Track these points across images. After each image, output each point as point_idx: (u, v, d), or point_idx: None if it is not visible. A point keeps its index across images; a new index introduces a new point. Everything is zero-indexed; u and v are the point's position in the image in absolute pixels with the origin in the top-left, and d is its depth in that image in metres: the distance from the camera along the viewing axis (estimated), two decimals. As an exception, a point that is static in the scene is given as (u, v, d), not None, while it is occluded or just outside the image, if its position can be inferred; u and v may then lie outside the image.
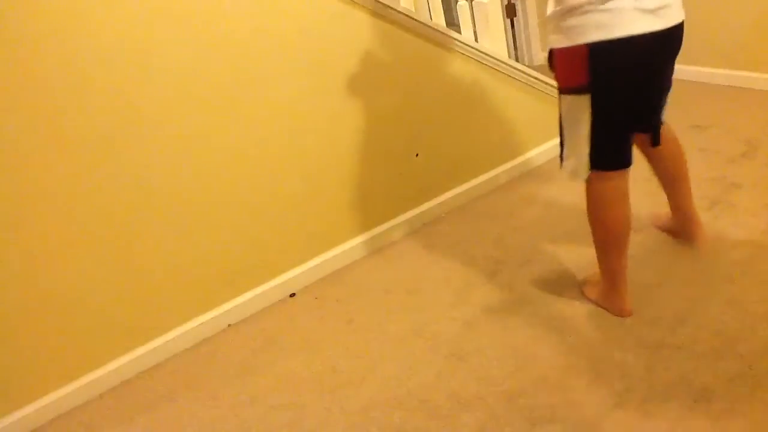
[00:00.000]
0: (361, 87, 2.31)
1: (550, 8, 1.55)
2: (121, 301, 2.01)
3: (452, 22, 2.94)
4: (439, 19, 2.61)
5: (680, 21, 1.55)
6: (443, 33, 2.44)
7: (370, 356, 1.93)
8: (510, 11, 4.28)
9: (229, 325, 2.23)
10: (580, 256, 2.17)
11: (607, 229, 1.75)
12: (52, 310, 1.91)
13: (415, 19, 2.33)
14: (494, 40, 2.69)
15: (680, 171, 1.91)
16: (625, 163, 1.66)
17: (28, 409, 1.93)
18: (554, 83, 1.66)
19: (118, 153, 1.88)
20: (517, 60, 3.98)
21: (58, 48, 1.72)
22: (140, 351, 2.08)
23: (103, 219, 1.91)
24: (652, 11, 1.45)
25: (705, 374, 1.59)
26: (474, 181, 2.75)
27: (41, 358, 1.92)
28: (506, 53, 2.74)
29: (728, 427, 1.44)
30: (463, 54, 2.52)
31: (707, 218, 2.18)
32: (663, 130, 1.81)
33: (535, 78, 2.76)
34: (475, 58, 2.56)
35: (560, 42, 1.53)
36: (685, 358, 1.65)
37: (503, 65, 2.65)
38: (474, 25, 2.73)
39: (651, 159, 1.91)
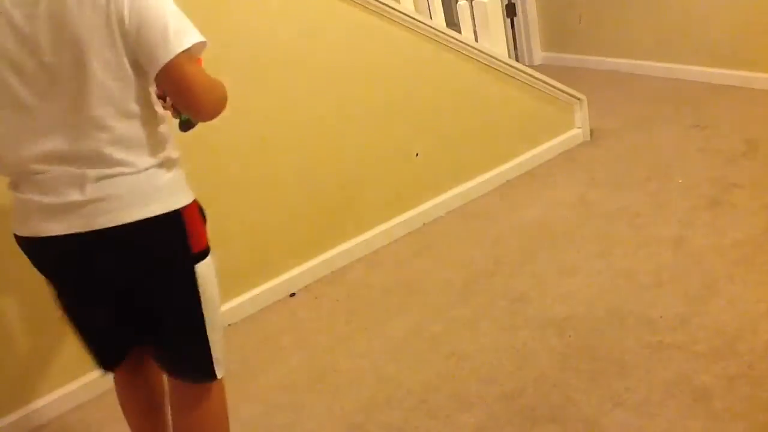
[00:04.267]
0: (360, 87, 2.31)
1: (147, 158, 1.18)
2: (121, 301, 2.01)
3: (452, 22, 2.94)
4: (439, 19, 2.62)
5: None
6: (443, 33, 2.44)
7: (370, 356, 1.93)
8: (510, 11, 4.28)
9: (229, 325, 2.23)
10: (580, 256, 2.17)
11: None
12: (53, 310, 1.91)
13: (416, 19, 2.33)
14: (494, 40, 2.69)
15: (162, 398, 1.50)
16: None
17: (29, 409, 1.92)
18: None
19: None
20: (517, 60, 3.98)
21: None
22: (140, 351, 2.08)
23: (103, 219, 1.91)
24: None
25: (705, 374, 1.59)
26: (474, 181, 2.75)
27: (42, 358, 1.92)
28: (506, 53, 2.74)
29: (728, 427, 1.44)
30: (463, 54, 2.52)
31: (707, 218, 2.18)
32: None
33: (535, 78, 2.76)
34: (475, 58, 2.56)
35: (188, 196, 1.27)
36: (685, 358, 1.65)
37: (503, 65, 2.65)
38: (474, 25, 2.73)
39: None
